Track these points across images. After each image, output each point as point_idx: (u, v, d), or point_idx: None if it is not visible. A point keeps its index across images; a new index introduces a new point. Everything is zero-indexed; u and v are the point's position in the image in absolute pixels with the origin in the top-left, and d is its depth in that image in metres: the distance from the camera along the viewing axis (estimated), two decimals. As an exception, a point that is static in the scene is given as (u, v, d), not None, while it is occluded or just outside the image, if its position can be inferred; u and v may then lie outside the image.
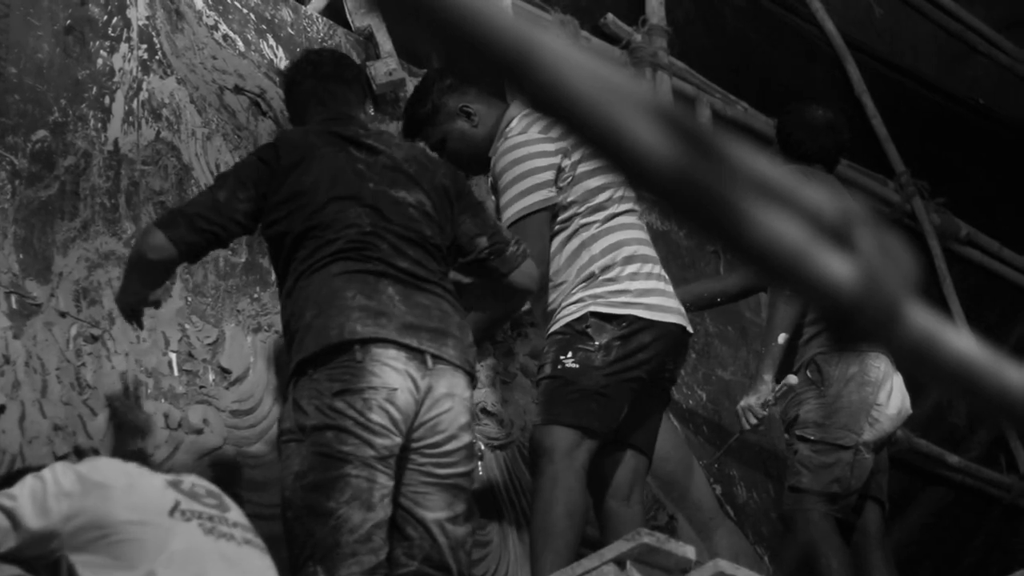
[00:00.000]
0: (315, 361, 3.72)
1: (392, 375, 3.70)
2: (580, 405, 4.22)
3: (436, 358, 3.78)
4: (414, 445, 3.74)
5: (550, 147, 4.44)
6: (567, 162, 4.43)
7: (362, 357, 3.70)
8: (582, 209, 4.42)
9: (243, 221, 3.91)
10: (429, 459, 3.76)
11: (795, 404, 5.04)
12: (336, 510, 3.58)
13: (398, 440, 3.69)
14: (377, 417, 3.66)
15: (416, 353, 3.75)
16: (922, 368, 1.12)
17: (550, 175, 4.41)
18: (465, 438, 3.82)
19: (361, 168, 3.99)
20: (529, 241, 4.26)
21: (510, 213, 4.38)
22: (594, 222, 4.42)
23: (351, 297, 3.76)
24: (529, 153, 4.43)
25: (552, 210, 4.41)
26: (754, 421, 4.94)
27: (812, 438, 4.95)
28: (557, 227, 4.42)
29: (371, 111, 4.83)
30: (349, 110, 4.20)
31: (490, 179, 4.58)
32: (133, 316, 4.05)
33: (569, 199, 4.43)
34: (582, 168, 4.45)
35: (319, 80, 4.25)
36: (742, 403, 4.96)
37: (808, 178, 4.92)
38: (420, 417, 3.74)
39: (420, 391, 3.74)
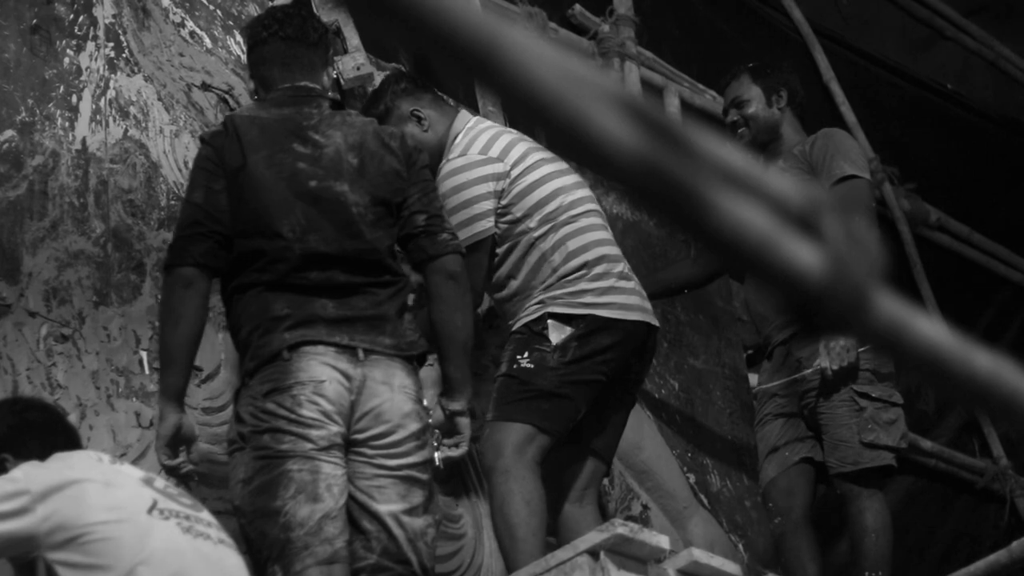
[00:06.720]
0: (251, 372, 3.75)
1: (318, 368, 3.70)
2: (532, 404, 4.24)
3: (369, 352, 3.78)
4: (360, 437, 3.73)
5: (489, 170, 4.46)
6: (506, 181, 4.46)
7: (289, 356, 3.70)
8: (533, 223, 4.45)
9: (229, 208, 3.88)
10: (378, 451, 3.74)
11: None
12: (283, 507, 3.58)
13: (336, 429, 3.68)
14: (307, 411, 3.65)
15: (346, 348, 3.75)
16: (891, 354, 1.13)
17: (488, 204, 4.43)
18: (412, 426, 3.79)
19: (302, 167, 3.92)
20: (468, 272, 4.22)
21: None
22: (549, 232, 4.44)
23: (280, 309, 3.76)
24: (468, 180, 4.44)
25: (490, 240, 4.43)
26: (845, 364, 4.91)
27: (873, 395, 4.97)
28: (510, 242, 4.45)
29: (335, 74, 4.78)
30: (311, 77, 4.12)
31: None
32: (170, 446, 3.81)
33: (518, 213, 4.46)
34: (527, 180, 4.49)
35: (284, 41, 4.15)
36: (842, 342, 4.89)
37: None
38: (360, 408, 3.73)
39: (353, 381, 3.72)
